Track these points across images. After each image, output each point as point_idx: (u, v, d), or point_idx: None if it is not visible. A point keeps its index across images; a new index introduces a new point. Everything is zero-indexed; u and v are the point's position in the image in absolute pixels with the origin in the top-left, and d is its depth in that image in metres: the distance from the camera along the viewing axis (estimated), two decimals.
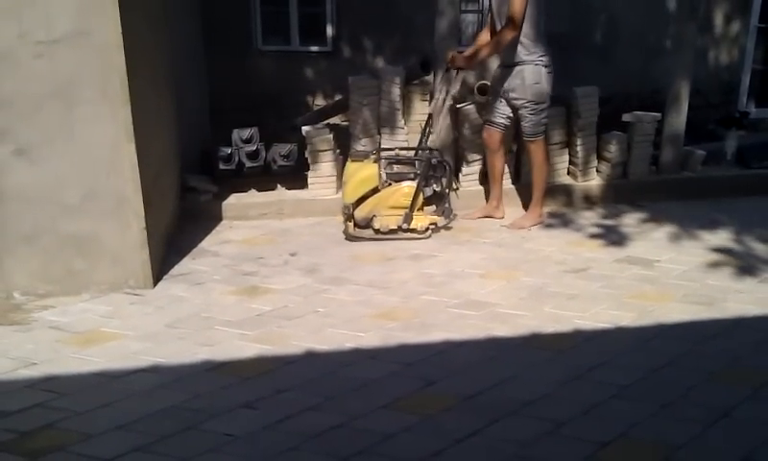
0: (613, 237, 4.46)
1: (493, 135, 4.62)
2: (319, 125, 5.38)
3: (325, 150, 4.82)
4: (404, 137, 4.88)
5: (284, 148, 4.89)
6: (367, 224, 4.34)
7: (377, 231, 4.33)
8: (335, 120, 6.59)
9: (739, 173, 5.52)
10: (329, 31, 7.87)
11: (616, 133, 5.27)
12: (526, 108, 4.41)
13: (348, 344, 3.08)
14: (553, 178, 5.17)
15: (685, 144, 5.46)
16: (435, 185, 4.45)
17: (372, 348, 3.05)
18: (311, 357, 2.97)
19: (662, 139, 5.37)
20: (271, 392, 2.69)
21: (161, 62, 4.24)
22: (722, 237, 4.42)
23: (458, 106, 4.83)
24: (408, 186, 4.35)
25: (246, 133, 4.82)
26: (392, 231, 4.33)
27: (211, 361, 2.92)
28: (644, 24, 8.28)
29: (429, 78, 4.97)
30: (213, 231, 4.50)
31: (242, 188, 4.89)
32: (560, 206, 5.09)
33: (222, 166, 4.78)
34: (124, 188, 3.41)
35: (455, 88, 4.45)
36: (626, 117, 5.31)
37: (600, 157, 5.28)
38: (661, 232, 4.53)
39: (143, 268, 3.56)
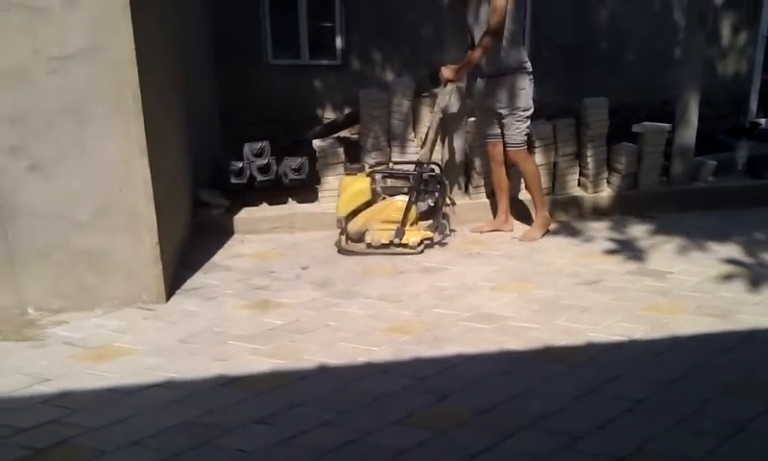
0: (625, 249, 4.44)
1: (497, 147, 4.62)
2: (329, 138, 5.40)
3: (336, 163, 4.83)
4: (415, 150, 4.89)
5: (295, 162, 4.91)
6: (360, 237, 4.33)
7: (369, 246, 4.32)
8: (345, 133, 6.63)
9: (751, 183, 5.49)
10: (339, 44, 7.92)
11: (626, 144, 5.26)
12: (513, 114, 4.41)
13: (361, 358, 3.07)
14: (564, 189, 5.16)
15: (696, 155, 5.44)
16: (429, 200, 4.46)
17: (384, 362, 3.04)
18: (324, 372, 2.97)
19: (673, 150, 5.35)
20: (284, 407, 2.69)
21: (173, 76, 4.27)
22: (734, 248, 4.39)
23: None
24: (401, 200, 4.34)
25: (257, 146, 4.84)
26: (383, 246, 4.32)
27: (224, 376, 2.92)
28: (652, 34, 8.30)
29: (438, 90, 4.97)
30: (225, 245, 4.51)
31: (253, 202, 4.91)
32: (571, 217, 5.08)
33: (233, 180, 4.80)
34: (136, 203, 3.43)
35: (445, 101, 4.45)
36: (636, 128, 5.30)
37: (611, 169, 5.27)
38: (673, 244, 4.51)
39: (156, 283, 3.57)
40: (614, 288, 3.82)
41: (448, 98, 4.49)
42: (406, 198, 4.34)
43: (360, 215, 4.31)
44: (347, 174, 4.48)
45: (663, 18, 8.29)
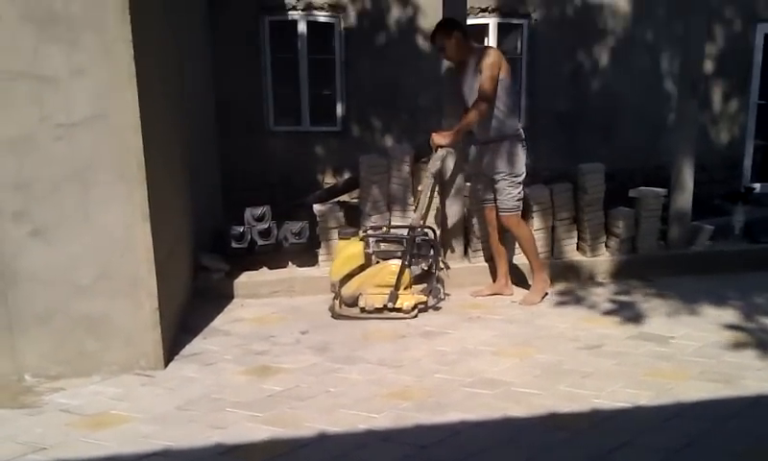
0: (626, 313, 4.43)
1: (492, 211, 4.68)
2: (329, 202, 5.44)
3: (336, 227, 4.86)
4: (414, 214, 4.92)
5: (296, 226, 4.94)
6: (354, 302, 4.31)
7: (363, 310, 4.29)
8: (345, 198, 6.69)
9: (748, 248, 5.52)
10: (339, 111, 8.08)
11: (623, 208, 5.31)
12: (505, 180, 4.47)
13: (361, 425, 3.02)
14: (562, 253, 5.18)
15: (692, 219, 5.49)
16: (423, 264, 4.47)
17: (385, 429, 2.99)
18: (323, 440, 2.91)
19: (670, 215, 5.41)
20: None
21: (176, 142, 4.34)
22: (735, 313, 4.38)
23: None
24: (394, 264, 4.35)
25: (258, 211, 4.88)
26: (377, 310, 4.30)
27: (223, 444, 2.86)
28: (645, 101, 8.49)
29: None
30: (225, 310, 4.49)
31: (253, 266, 4.92)
32: (570, 281, 5.08)
33: (234, 245, 4.82)
34: (138, 268, 3.43)
35: (436, 166, 4.51)
36: (632, 193, 5.37)
37: (608, 233, 5.30)
38: (674, 308, 4.50)
39: (155, 349, 3.54)
40: (617, 353, 3.80)
41: (440, 163, 4.55)
42: (400, 262, 4.35)
43: (354, 279, 4.30)
44: (340, 238, 4.50)
45: (656, 86, 8.50)
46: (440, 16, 5.07)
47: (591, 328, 4.17)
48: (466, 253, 5.20)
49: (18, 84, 3.18)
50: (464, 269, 5.04)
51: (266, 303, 4.64)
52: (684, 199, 5.38)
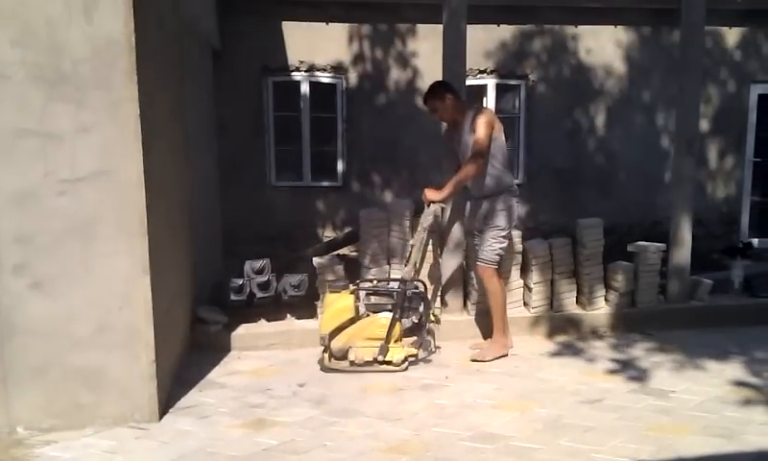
0: (626, 367, 4.39)
1: (487, 270, 4.66)
2: (329, 255, 5.46)
3: (334, 280, 4.87)
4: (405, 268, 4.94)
5: (295, 278, 4.96)
6: (343, 355, 4.29)
7: (352, 363, 4.27)
8: (345, 251, 6.72)
9: (748, 302, 5.50)
10: (340, 167, 8.20)
11: (622, 262, 5.33)
12: (490, 231, 4.51)
13: None
14: (562, 307, 5.18)
15: (691, 273, 5.50)
16: (413, 317, 4.48)
17: None
18: None
19: (669, 270, 5.42)
20: None
21: (179, 196, 4.39)
22: (736, 367, 4.35)
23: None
24: (384, 318, 4.34)
25: (258, 264, 4.90)
26: (367, 363, 4.28)
27: None
28: (642, 158, 8.61)
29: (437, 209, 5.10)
30: (221, 362, 4.47)
31: (252, 318, 4.91)
32: (570, 334, 5.06)
33: (233, 297, 4.82)
34: (136, 321, 3.44)
35: (428, 221, 4.54)
36: (631, 248, 5.39)
37: (608, 287, 5.31)
38: (674, 362, 4.47)
39: (150, 402, 3.51)
40: (618, 407, 3.76)
41: (432, 218, 4.56)
42: (390, 315, 4.34)
43: (344, 332, 4.28)
44: (331, 291, 4.50)
45: (653, 143, 8.63)
46: (440, 77, 5.21)
47: (592, 382, 4.14)
48: (465, 305, 5.19)
49: (25, 140, 3.25)
50: (462, 322, 5.03)
51: (263, 356, 4.61)
52: (683, 253, 5.40)
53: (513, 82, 8.45)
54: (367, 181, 8.22)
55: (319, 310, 4.86)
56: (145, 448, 3.28)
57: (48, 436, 3.37)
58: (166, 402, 3.72)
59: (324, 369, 4.31)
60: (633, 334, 5.06)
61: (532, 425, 3.53)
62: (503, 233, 4.54)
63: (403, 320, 4.43)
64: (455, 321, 5.04)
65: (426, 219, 4.54)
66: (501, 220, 4.51)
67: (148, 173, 3.40)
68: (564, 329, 5.09)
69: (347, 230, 7.53)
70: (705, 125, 8.35)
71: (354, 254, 5.53)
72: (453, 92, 4.59)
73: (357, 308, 4.37)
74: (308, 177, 8.17)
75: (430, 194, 4.52)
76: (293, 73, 7.99)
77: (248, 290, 4.84)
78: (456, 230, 5.07)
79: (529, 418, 3.64)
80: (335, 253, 6.11)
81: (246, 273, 4.89)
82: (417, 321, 4.49)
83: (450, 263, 5.09)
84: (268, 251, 5.69)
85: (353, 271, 5.18)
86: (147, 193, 3.39)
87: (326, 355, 4.32)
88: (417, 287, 4.57)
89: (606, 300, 5.31)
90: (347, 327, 4.29)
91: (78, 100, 3.27)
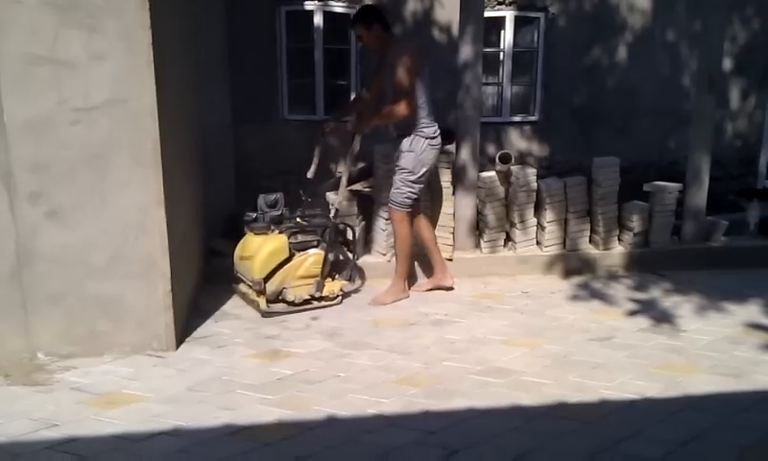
0: (637, 306, 4.41)
1: (396, 213, 4.55)
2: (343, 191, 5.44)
3: (349, 216, 4.87)
4: (428, 203, 4.94)
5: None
6: (276, 297, 4.21)
7: (292, 303, 4.22)
8: (358, 187, 6.69)
9: (763, 244, 5.47)
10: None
11: (638, 202, 5.29)
12: (398, 174, 4.40)
13: (370, 410, 3.04)
14: (575, 246, 5.17)
15: (706, 214, 5.46)
16: (341, 251, 4.48)
17: (393, 414, 3.01)
18: (332, 423, 2.94)
19: (684, 210, 5.37)
20: (291, 459, 2.66)
21: (191, 128, 4.37)
22: (749, 308, 4.36)
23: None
24: (316, 254, 4.29)
25: (271, 198, 4.89)
26: (305, 302, 4.26)
27: (232, 425, 2.89)
28: (662, 97, 8.43)
29: (451, 147, 5.05)
30: (236, 294, 4.53)
31: None
32: (582, 274, 5.07)
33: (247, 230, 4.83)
34: (152, 251, 3.47)
35: (356, 149, 4.42)
36: (647, 187, 5.34)
37: (622, 227, 5.28)
38: (686, 302, 4.48)
39: (166, 330, 3.58)
40: (627, 345, 3.79)
41: (358, 147, 4.43)
42: (319, 251, 4.31)
43: (277, 274, 4.18)
44: (255, 233, 4.29)
45: (673, 82, 8.44)
46: (458, 7, 5.07)
47: (602, 320, 4.17)
48: (478, 244, 5.20)
49: (38, 67, 3.21)
50: (475, 259, 5.05)
51: None
52: (700, 194, 5.35)
53: (532, 14, 8.22)
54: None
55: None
56: (162, 375, 3.36)
57: (68, 362, 3.45)
58: (183, 332, 3.78)
59: (264, 314, 4.16)
60: (646, 274, 5.06)
61: (541, 361, 3.58)
62: (412, 177, 4.36)
63: (333, 253, 4.42)
64: (468, 258, 5.05)
65: (354, 148, 4.42)
66: (408, 162, 4.35)
67: (161, 103, 3.37)
68: (576, 269, 5.10)
69: (360, 165, 7.48)
70: (727, 64, 8.13)
71: (368, 190, 5.50)
72: (382, 22, 4.38)
73: (290, 248, 4.26)
74: (321, 111, 8.08)
75: (351, 126, 4.39)
76: (306, 2, 7.81)
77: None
78: (470, 170, 5.02)
79: (538, 354, 3.68)
80: (349, 188, 6.07)
81: (259, 206, 4.88)
82: (343, 256, 4.48)
83: (464, 202, 5.07)
84: (281, 185, 5.68)
85: (367, 207, 5.17)
86: (160, 123, 3.37)
87: (263, 300, 4.17)
88: (344, 221, 4.56)
89: (620, 240, 5.29)
90: (279, 268, 4.19)
91: (90, 26, 3.21)
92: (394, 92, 4.27)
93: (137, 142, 3.36)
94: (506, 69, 8.37)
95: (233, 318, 4.14)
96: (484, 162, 5.22)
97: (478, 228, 5.19)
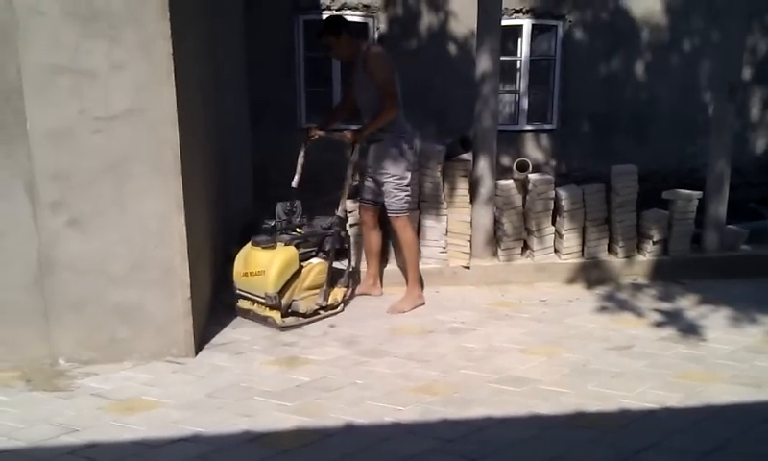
0: (657, 315, 4.37)
1: (367, 212, 4.63)
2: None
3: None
4: (445, 211, 4.93)
5: (326, 221, 4.97)
6: (286, 310, 4.15)
7: (304, 315, 4.18)
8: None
9: None
10: None
11: (657, 210, 5.24)
12: (390, 183, 4.40)
13: (388, 418, 3.04)
14: (593, 254, 5.14)
15: (726, 223, 5.40)
16: (341, 258, 4.50)
17: (411, 422, 3.01)
18: (350, 431, 2.94)
19: (705, 218, 5.32)
20: None
21: (210, 136, 4.40)
22: None
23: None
24: (320, 264, 4.29)
25: (288, 206, 4.92)
26: (314, 313, 4.23)
27: (250, 432, 2.91)
28: (680, 105, 8.37)
29: (468, 155, 5.06)
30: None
31: None
32: (601, 282, 5.03)
33: None
34: (171, 259, 3.50)
35: (355, 158, 4.44)
36: (666, 195, 5.30)
37: (641, 235, 5.24)
38: (706, 311, 4.43)
39: (186, 337, 3.61)
40: (646, 354, 3.76)
41: (357, 156, 4.44)
42: (322, 261, 4.31)
43: (289, 287, 4.14)
44: (263, 248, 4.16)
45: (692, 89, 8.38)
46: (473, 18, 5.08)
47: (621, 329, 4.14)
48: (495, 253, 5.18)
49: (60, 77, 3.26)
50: (492, 267, 5.04)
51: None
52: (720, 202, 5.29)
53: (549, 22, 8.21)
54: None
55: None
56: (182, 382, 3.39)
57: (88, 368, 3.49)
58: (201, 339, 3.81)
59: (283, 329, 4.08)
60: (665, 283, 5.01)
61: (559, 370, 3.56)
62: (404, 182, 4.39)
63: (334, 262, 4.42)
64: (485, 266, 5.04)
65: (354, 158, 4.43)
66: (397, 168, 4.36)
67: (180, 112, 3.41)
68: (594, 277, 5.06)
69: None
70: (747, 73, 8.05)
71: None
72: (349, 30, 4.41)
73: (300, 260, 4.22)
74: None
75: (350, 135, 4.38)
76: (324, 11, 7.86)
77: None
78: (487, 178, 5.02)
79: (557, 362, 3.66)
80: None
81: (277, 214, 4.92)
82: (347, 262, 4.52)
83: (481, 210, 5.06)
84: (298, 193, 5.70)
85: (383, 215, 5.17)
86: (180, 131, 3.40)
87: (278, 314, 4.10)
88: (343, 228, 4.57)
89: (639, 248, 5.25)
90: (291, 281, 4.15)
91: (111, 37, 3.26)
92: (379, 97, 4.29)
93: (157, 151, 3.39)
94: (523, 77, 8.37)
95: (251, 325, 4.16)
96: (500, 170, 5.19)
97: (495, 236, 5.18)
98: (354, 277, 4.74)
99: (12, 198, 3.35)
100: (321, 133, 4.55)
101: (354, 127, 4.48)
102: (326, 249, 4.37)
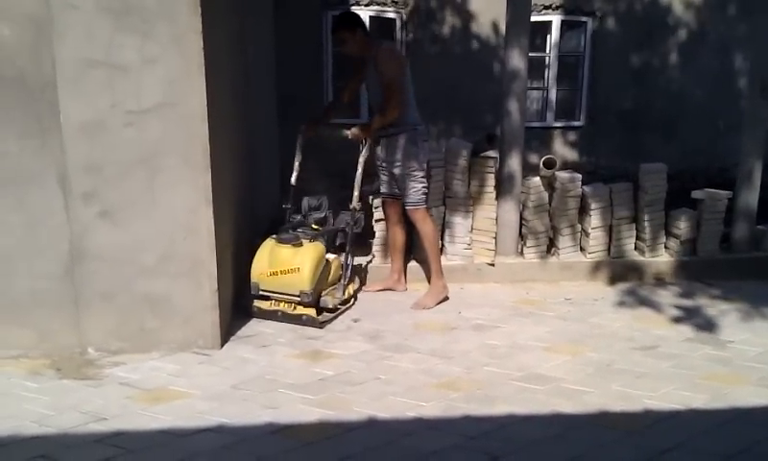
0: (683, 315, 4.32)
1: (388, 205, 4.65)
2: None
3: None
4: (470, 207, 4.93)
5: (349, 216, 4.99)
6: (316, 305, 4.13)
7: (334, 310, 4.18)
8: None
9: None
10: None
11: (685, 209, 5.18)
12: (405, 174, 4.41)
13: (410, 413, 3.06)
14: (620, 252, 5.09)
15: (757, 223, 5.31)
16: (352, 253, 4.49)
17: (433, 418, 3.02)
18: (373, 425, 2.96)
19: (735, 217, 5.24)
20: (332, 459, 2.69)
21: (239, 131, 4.45)
22: None
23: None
24: (336, 259, 4.32)
25: (315, 200, 4.95)
26: (336, 307, 4.22)
27: (274, 424, 2.94)
28: (711, 102, 8.24)
29: (494, 152, 5.04)
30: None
31: None
32: (627, 281, 4.98)
33: None
34: (200, 251, 3.55)
35: (365, 155, 4.41)
36: (696, 194, 5.22)
37: (668, 234, 5.18)
38: (734, 312, 4.37)
39: (212, 329, 3.66)
40: (672, 355, 3.72)
41: (367, 153, 4.42)
42: (336, 256, 4.34)
43: (319, 283, 4.14)
44: (293, 245, 4.13)
45: (723, 86, 8.24)
46: (502, 14, 5.05)
47: (647, 329, 4.10)
48: (521, 250, 5.16)
49: (93, 71, 3.32)
50: (517, 264, 5.02)
51: None
52: (751, 201, 5.21)
53: (579, 18, 8.13)
54: (424, 120, 8.13)
55: (374, 248, 4.76)
56: (208, 373, 3.44)
57: (117, 358, 3.56)
58: (227, 331, 3.86)
59: (321, 325, 4.06)
60: (692, 283, 4.95)
61: (583, 369, 3.54)
62: (421, 173, 4.44)
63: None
64: (510, 264, 5.03)
65: (365, 153, 4.42)
66: (414, 161, 4.39)
67: (211, 106, 3.45)
68: (621, 276, 5.01)
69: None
70: None
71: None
72: (364, 27, 4.44)
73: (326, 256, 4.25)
74: (366, 115, 8.12)
75: (358, 131, 4.39)
76: (352, 6, 7.87)
77: None
78: (513, 175, 5.00)
79: (581, 361, 3.64)
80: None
81: (303, 209, 4.95)
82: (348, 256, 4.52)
83: (507, 207, 5.04)
84: (325, 188, 5.74)
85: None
86: (210, 126, 3.44)
87: (312, 311, 4.08)
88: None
89: (666, 247, 5.19)
90: (321, 277, 4.17)
91: (144, 31, 3.31)
92: (385, 93, 4.31)
93: (187, 144, 3.44)
94: (551, 73, 8.30)
95: None
96: (527, 168, 5.17)
97: (521, 233, 5.16)
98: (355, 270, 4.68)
99: (45, 189, 3.42)
100: (315, 128, 4.69)
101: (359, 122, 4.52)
102: (341, 243, 4.41)
